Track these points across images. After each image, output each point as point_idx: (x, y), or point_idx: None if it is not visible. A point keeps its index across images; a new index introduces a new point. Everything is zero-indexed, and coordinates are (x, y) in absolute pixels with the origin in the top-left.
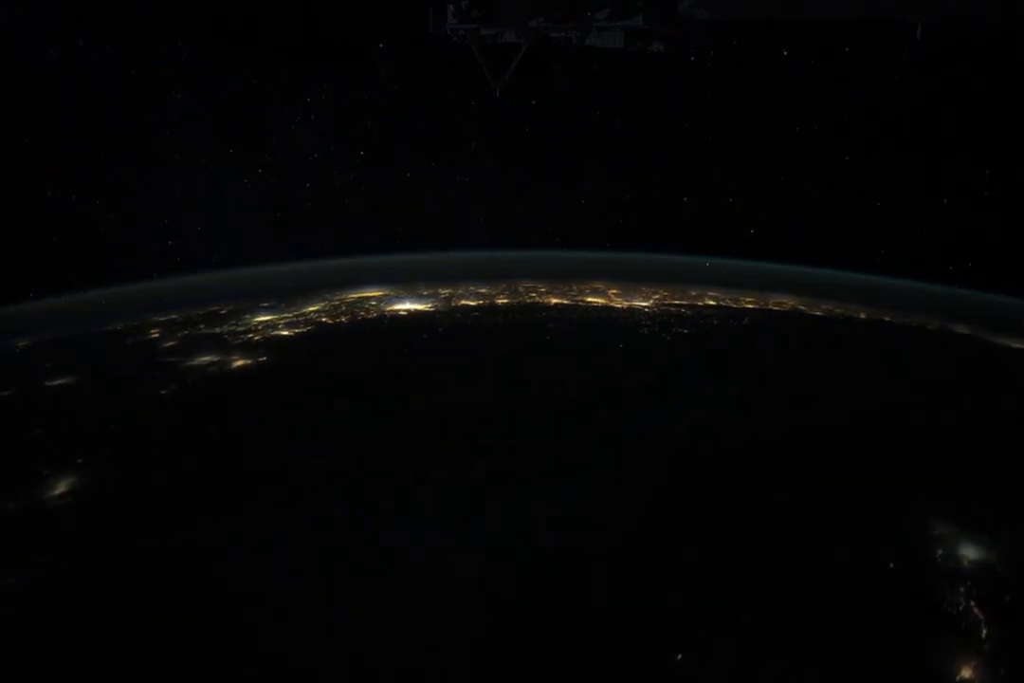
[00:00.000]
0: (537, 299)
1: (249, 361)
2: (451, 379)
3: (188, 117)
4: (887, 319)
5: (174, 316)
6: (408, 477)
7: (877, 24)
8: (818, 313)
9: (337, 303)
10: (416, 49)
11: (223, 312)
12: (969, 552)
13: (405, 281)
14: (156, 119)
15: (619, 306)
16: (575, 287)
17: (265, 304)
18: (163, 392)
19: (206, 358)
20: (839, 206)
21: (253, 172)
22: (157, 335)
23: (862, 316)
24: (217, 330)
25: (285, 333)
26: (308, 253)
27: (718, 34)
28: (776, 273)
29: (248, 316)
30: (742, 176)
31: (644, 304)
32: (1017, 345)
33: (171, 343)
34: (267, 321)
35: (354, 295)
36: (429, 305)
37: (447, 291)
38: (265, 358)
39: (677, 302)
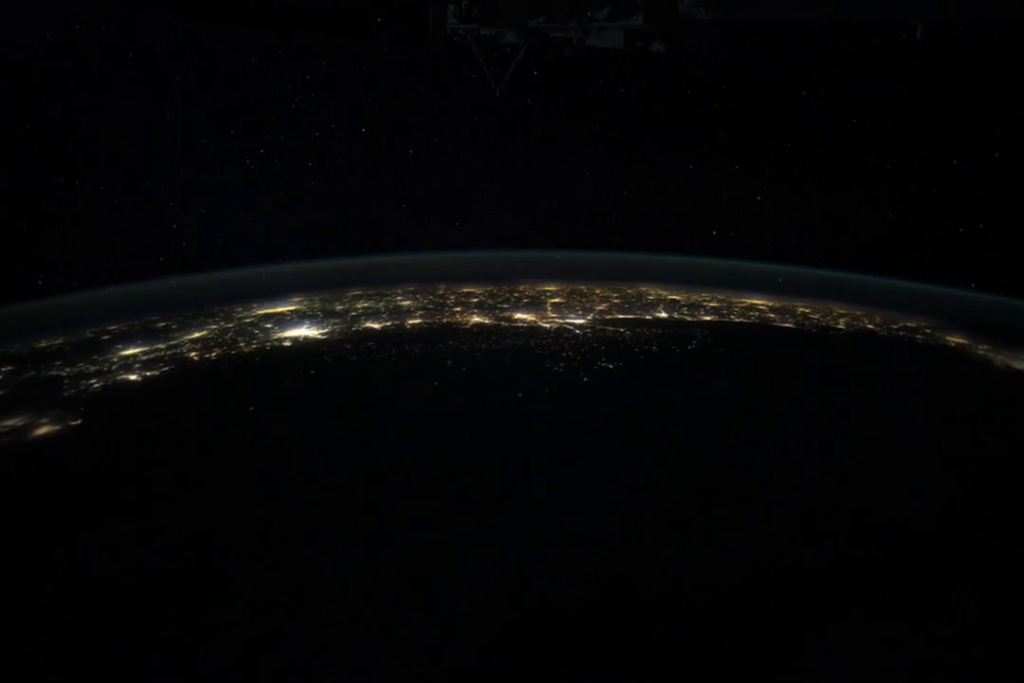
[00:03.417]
0: (457, 317)
1: (57, 427)
2: (256, 467)
3: (187, 98)
4: (871, 327)
5: (60, 340)
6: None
7: (877, 24)
8: (788, 325)
9: (232, 325)
10: (415, 39)
11: (105, 337)
12: None
13: (337, 288)
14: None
15: (547, 326)
16: (516, 294)
17: (162, 323)
18: None
19: (11, 421)
20: (838, 205)
21: (255, 154)
22: None
23: (841, 326)
24: (66, 371)
25: (133, 377)
26: (303, 250)
27: (718, 34)
28: (767, 272)
29: (120, 346)
30: (741, 175)
31: (579, 322)
32: (1019, 366)
33: None
34: (128, 357)
35: (262, 311)
36: (326, 329)
37: (367, 304)
38: (79, 421)
39: (622, 317)
